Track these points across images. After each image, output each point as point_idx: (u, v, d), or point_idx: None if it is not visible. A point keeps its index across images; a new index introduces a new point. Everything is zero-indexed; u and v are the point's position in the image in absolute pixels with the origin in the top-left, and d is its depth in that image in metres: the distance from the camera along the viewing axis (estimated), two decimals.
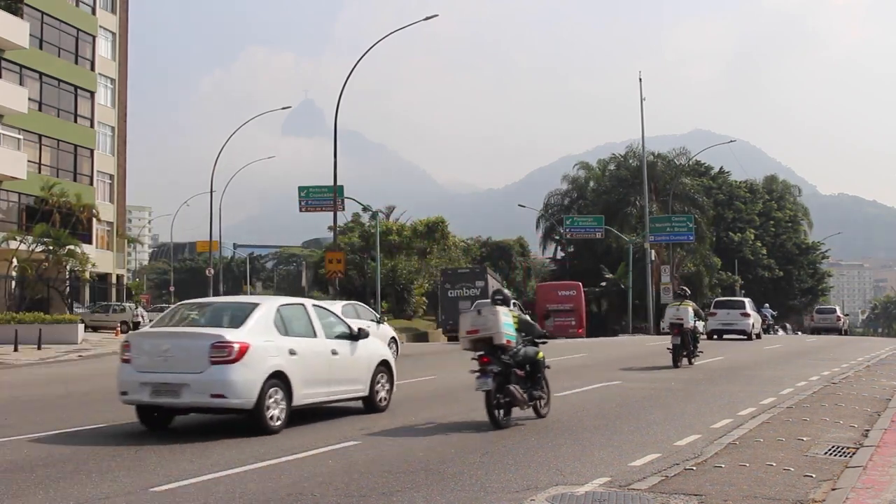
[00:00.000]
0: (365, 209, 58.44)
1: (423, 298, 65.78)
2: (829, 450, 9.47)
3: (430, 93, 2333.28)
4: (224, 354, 10.50)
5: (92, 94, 51.28)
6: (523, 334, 11.73)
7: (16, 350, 28.82)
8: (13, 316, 34.00)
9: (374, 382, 12.70)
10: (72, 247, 40.36)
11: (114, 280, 58.80)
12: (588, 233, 60.77)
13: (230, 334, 10.72)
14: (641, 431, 10.75)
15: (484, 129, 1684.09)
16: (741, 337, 35.26)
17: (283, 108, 69.56)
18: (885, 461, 8.55)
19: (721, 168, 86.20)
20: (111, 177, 57.84)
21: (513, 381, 11.18)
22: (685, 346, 20.83)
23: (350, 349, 12.39)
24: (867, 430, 10.70)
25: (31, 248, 39.45)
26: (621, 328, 58.22)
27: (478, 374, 11.06)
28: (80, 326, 35.70)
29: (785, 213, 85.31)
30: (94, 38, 52.09)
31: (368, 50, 38.81)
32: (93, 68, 51.74)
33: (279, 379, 10.92)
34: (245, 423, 10.83)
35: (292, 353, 11.22)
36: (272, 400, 10.81)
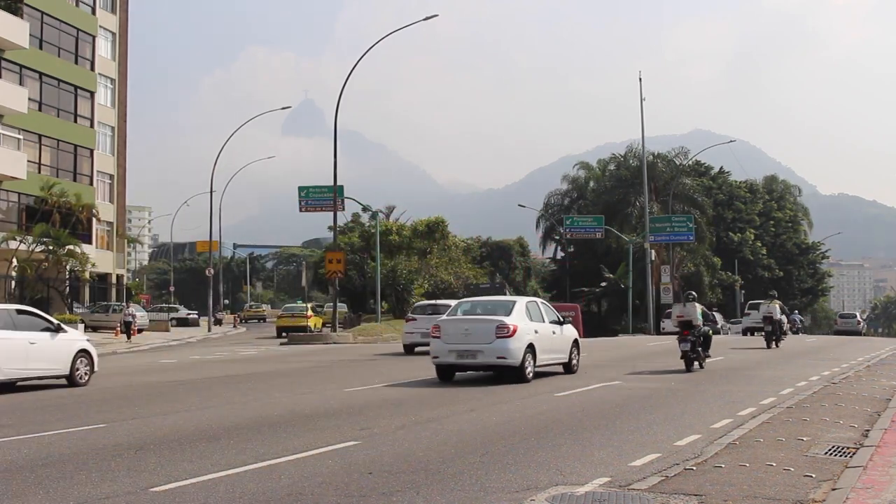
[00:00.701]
0: (365, 209, 58.40)
1: (424, 299, 65.64)
2: (829, 450, 9.45)
3: (430, 93, 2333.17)
4: (505, 332, 16.44)
5: (92, 94, 51.29)
6: (703, 319, 19.75)
7: None
8: None
9: (570, 353, 18.77)
10: (72, 247, 40.38)
11: (114, 280, 58.79)
12: (588, 233, 60.81)
13: (507, 319, 16.63)
14: (641, 431, 10.74)
15: (484, 129, 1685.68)
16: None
17: (283, 108, 69.34)
18: (885, 461, 8.54)
19: (721, 168, 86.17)
20: (111, 177, 57.82)
21: (697, 346, 19.32)
22: (774, 333, 28.81)
23: (560, 330, 18.42)
24: (867, 430, 10.69)
25: (31, 248, 39.45)
26: (621, 328, 58.18)
27: (680, 340, 19.17)
28: (80, 326, 35.76)
29: (785, 213, 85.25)
30: (94, 38, 52.12)
31: (368, 50, 38.87)
32: (93, 68, 51.75)
33: (530, 348, 16.81)
34: (509, 375, 16.72)
35: (536, 332, 17.20)
36: (527, 361, 16.72)
